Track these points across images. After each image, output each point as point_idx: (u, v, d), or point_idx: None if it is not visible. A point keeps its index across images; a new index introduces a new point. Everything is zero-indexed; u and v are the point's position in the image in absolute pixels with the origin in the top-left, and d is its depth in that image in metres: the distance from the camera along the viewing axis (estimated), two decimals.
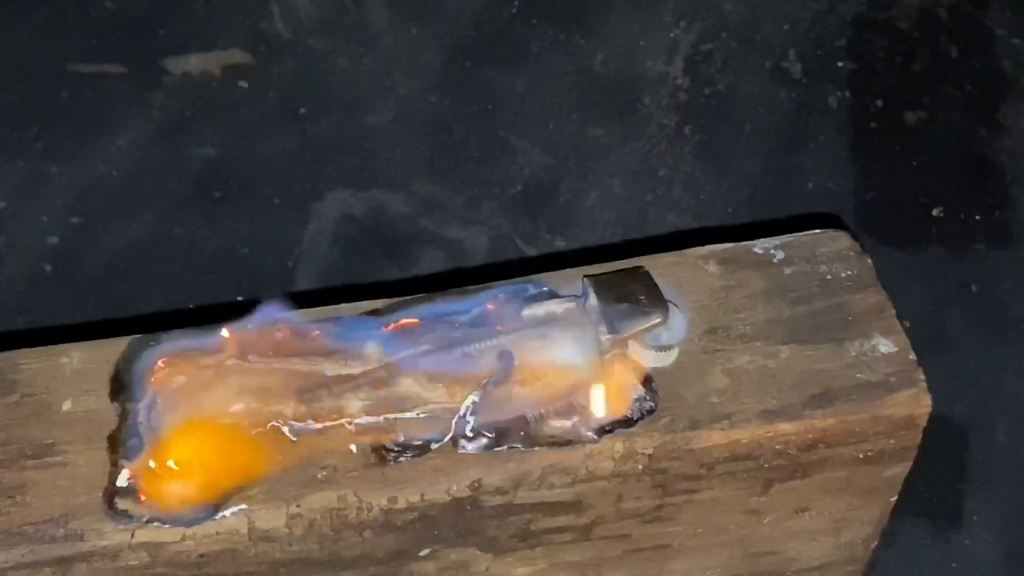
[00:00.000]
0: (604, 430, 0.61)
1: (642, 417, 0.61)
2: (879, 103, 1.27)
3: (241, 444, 0.59)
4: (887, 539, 0.79)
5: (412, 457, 0.60)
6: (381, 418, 0.60)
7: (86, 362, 0.63)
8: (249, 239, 1.13)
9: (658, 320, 0.61)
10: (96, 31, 1.30)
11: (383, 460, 0.59)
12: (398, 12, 1.33)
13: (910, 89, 1.28)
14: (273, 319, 0.62)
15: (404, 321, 0.63)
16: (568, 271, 0.67)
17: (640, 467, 0.61)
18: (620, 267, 0.65)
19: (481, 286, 0.65)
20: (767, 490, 0.65)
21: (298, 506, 0.58)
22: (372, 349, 0.61)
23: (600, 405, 0.61)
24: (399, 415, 0.60)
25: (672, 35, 1.32)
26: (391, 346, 0.61)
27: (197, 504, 0.58)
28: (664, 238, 1.14)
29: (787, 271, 0.68)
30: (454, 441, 0.60)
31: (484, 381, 0.60)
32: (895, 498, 0.69)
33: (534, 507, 0.62)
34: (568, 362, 0.61)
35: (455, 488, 0.60)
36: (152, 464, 0.58)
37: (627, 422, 0.61)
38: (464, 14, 1.34)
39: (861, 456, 0.64)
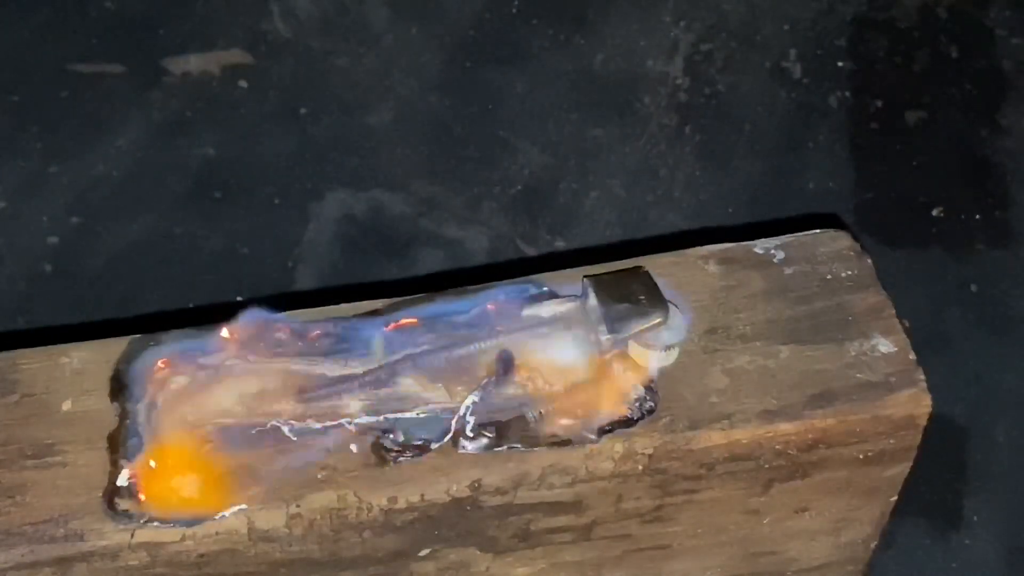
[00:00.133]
0: (604, 430, 0.61)
1: (642, 417, 0.61)
2: (879, 103, 1.27)
3: (241, 444, 0.59)
4: (887, 539, 0.79)
5: (412, 457, 0.60)
6: (381, 418, 0.60)
7: (86, 362, 0.63)
8: (249, 239, 1.13)
9: (658, 320, 0.61)
10: (96, 31, 1.30)
11: (383, 460, 0.59)
12: (398, 12, 1.34)
13: (910, 89, 1.28)
14: (271, 319, 0.62)
15: (404, 321, 0.63)
16: (568, 271, 0.67)
17: (640, 467, 0.61)
18: (620, 267, 0.65)
19: (481, 286, 0.65)
20: (767, 490, 0.65)
21: (298, 506, 0.58)
22: (372, 349, 0.61)
23: (600, 405, 0.61)
24: (399, 415, 0.60)
25: (672, 35, 1.32)
26: (391, 346, 0.61)
27: (197, 504, 0.58)
28: (664, 238, 1.14)
29: (787, 271, 0.68)
30: (454, 441, 0.60)
31: (484, 381, 0.60)
32: (895, 498, 0.69)
33: (534, 507, 0.62)
34: (568, 362, 0.61)
35: (455, 488, 0.60)
36: (152, 464, 0.58)
37: (627, 422, 0.61)
38: (464, 14, 1.34)
39: (861, 456, 0.64)
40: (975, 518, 0.97)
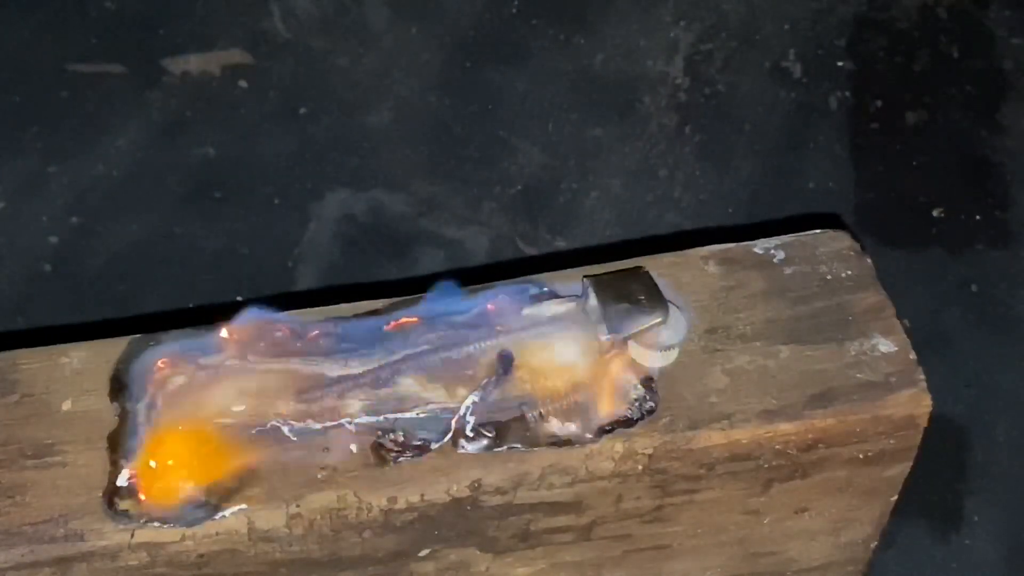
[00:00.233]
0: (604, 430, 0.61)
1: (642, 417, 0.61)
2: (879, 103, 1.27)
3: (241, 444, 0.59)
4: (887, 539, 0.79)
5: (412, 457, 0.60)
6: (381, 418, 0.60)
7: (86, 362, 0.63)
8: (249, 239, 1.13)
9: (658, 320, 0.61)
10: (96, 31, 1.30)
11: (383, 460, 0.59)
12: (398, 12, 1.33)
13: (910, 89, 1.28)
14: (271, 319, 0.62)
15: (404, 321, 0.63)
16: (568, 271, 0.67)
17: (640, 467, 0.61)
18: (620, 267, 0.65)
19: (481, 286, 0.65)
20: (767, 490, 0.65)
21: (298, 506, 0.58)
22: (372, 349, 0.61)
23: (600, 405, 0.61)
24: (399, 415, 0.60)
25: (672, 35, 1.32)
26: (391, 346, 0.61)
27: (197, 504, 0.58)
28: (664, 238, 1.14)
29: (787, 271, 0.68)
30: (454, 441, 0.60)
31: (484, 381, 0.60)
32: (895, 498, 0.69)
33: (534, 507, 0.62)
34: (568, 362, 0.61)
35: (455, 488, 0.60)
36: (152, 464, 0.58)
37: (627, 422, 0.61)
38: (464, 14, 1.34)
39: (861, 456, 0.64)
40: (975, 518, 0.97)
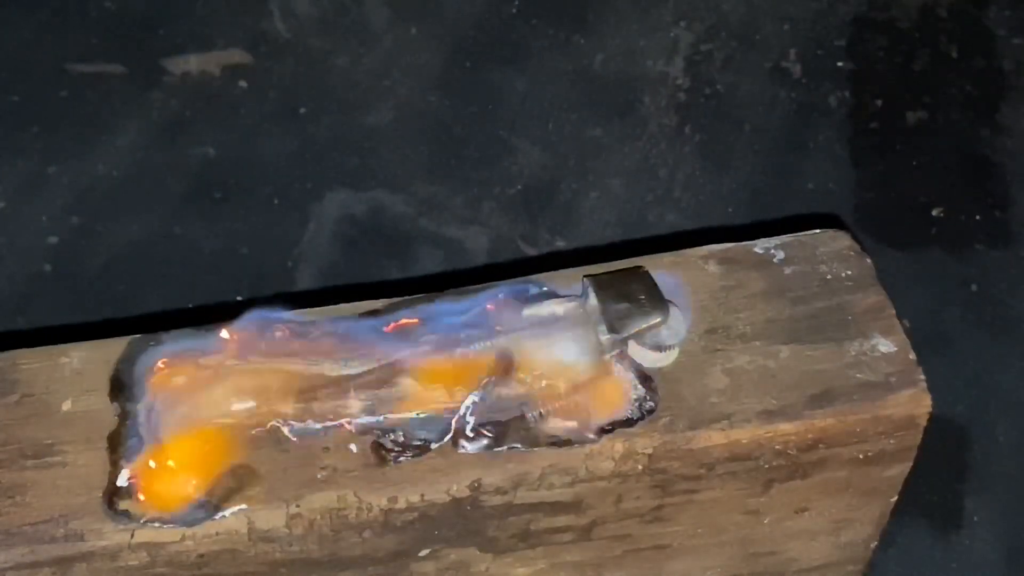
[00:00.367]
0: (604, 430, 0.61)
1: (642, 417, 0.61)
2: (879, 103, 1.27)
3: (241, 444, 0.59)
4: (887, 539, 0.79)
5: (412, 457, 0.60)
6: (381, 418, 0.60)
7: (86, 362, 0.63)
8: (249, 239, 1.13)
9: (658, 320, 0.61)
10: (96, 31, 1.30)
11: (383, 460, 0.59)
12: (398, 12, 1.33)
13: (910, 89, 1.28)
14: (269, 319, 0.62)
15: (404, 321, 0.63)
16: (568, 271, 0.67)
17: (640, 467, 0.61)
18: (620, 267, 0.65)
19: (481, 286, 0.65)
20: (767, 490, 0.65)
21: (298, 506, 0.58)
22: (372, 349, 0.61)
23: (600, 405, 0.61)
24: (399, 415, 0.60)
25: (672, 35, 1.32)
26: (391, 346, 0.61)
27: (197, 504, 0.58)
28: (664, 238, 1.14)
29: (787, 271, 0.68)
30: (454, 441, 0.60)
31: (484, 381, 0.60)
32: (895, 498, 0.69)
33: (534, 507, 0.62)
34: (568, 362, 0.61)
35: (455, 488, 0.60)
36: (152, 464, 0.58)
37: (627, 422, 0.61)
38: (464, 14, 1.34)
39: (861, 456, 0.64)
40: (975, 518, 0.97)
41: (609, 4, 1.35)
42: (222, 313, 0.63)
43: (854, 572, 0.74)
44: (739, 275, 0.67)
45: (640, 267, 0.64)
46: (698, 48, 1.31)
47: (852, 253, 0.69)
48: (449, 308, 0.63)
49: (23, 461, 0.59)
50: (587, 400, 0.61)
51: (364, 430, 0.59)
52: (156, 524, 0.57)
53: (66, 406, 0.61)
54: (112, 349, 0.63)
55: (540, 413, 0.61)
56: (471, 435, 0.60)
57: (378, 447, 0.59)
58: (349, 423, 0.59)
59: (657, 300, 0.62)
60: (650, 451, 0.61)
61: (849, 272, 0.68)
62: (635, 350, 0.62)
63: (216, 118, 1.23)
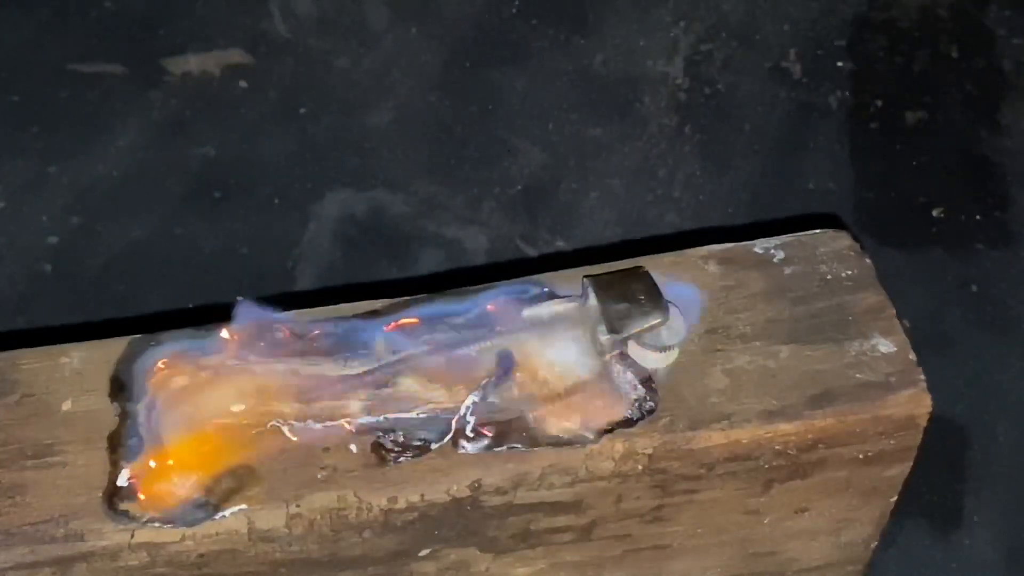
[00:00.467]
0: (604, 430, 0.61)
1: (642, 417, 0.61)
2: (879, 103, 1.27)
3: (241, 444, 0.59)
4: (887, 539, 0.79)
5: (412, 457, 0.60)
6: (381, 418, 0.60)
7: (86, 362, 0.63)
8: (249, 239, 1.13)
9: (658, 320, 0.61)
10: (96, 31, 1.30)
11: (383, 460, 0.59)
12: (398, 12, 1.33)
13: (910, 89, 1.28)
14: (271, 319, 0.62)
15: (404, 321, 0.63)
16: (568, 271, 0.67)
17: (640, 467, 0.61)
18: (620, 267, 0.65)
19: (481, 286, 0.65)
20: (767, 490, 0.65)
21: (298, 506, 0.58)
22: (372, 349, 0.61)
23: (600, 405, 0.61)
24: (399, 415, 0.60)
25: (672, 35, 1.32)
26: (391, 346, 0.61)
27: (197, 504, 0.58)
28: (664, 238, 1.14)
29: (787, 271, 0.68)
30: (454, 441, 0.60)
31: (484, 381, 0.60)
32: (895, 498, 0.69)
33: (534, 507, 0.62)
34: (568, 362, 0.61)
35: (455, 488, 0.60)
36: (152, 464, 0.58)
37: (627, 422, 0.61)
38: (464, 14, 1.34)
39: (861, 456, 0.64)
40: (975, 518, 0.97)
41: (609, 4, 1.35)
42: (222, 313, 0.63)
43: (854, 572, 0.74)
44: (739, 275, 0.67)
45: (640, 267, 0.64)
46: (698, 48, 1.31)
47: (852, 253, 0.69)
48: (449, 308, 0.63)
49: (23, 461, 0.59)
50: (587, 400, 0.61)
51: (364, 430, 0.59)
52: (156, 524, 0.57)
53: (66, 406, 0.61)
54: (112, 349, 0.63)
55: (540, 413, 0.61)
56: (471, 435, 0.60)
57: (378, 447, 0.59)
58: (349, 423, 0.59)
59: (657, 300, 0.62)
60: (650, 451, 0.61)
61: (849, 272, 0.68)
62: (635, 350, 0.62)
63: (216, 118, 1.23)
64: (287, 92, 1.25)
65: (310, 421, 0.59)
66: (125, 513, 0.57)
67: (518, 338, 0.61)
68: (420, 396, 0.60)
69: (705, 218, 1.17)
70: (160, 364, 0.61)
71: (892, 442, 0.64)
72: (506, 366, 0.60)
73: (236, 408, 0.59)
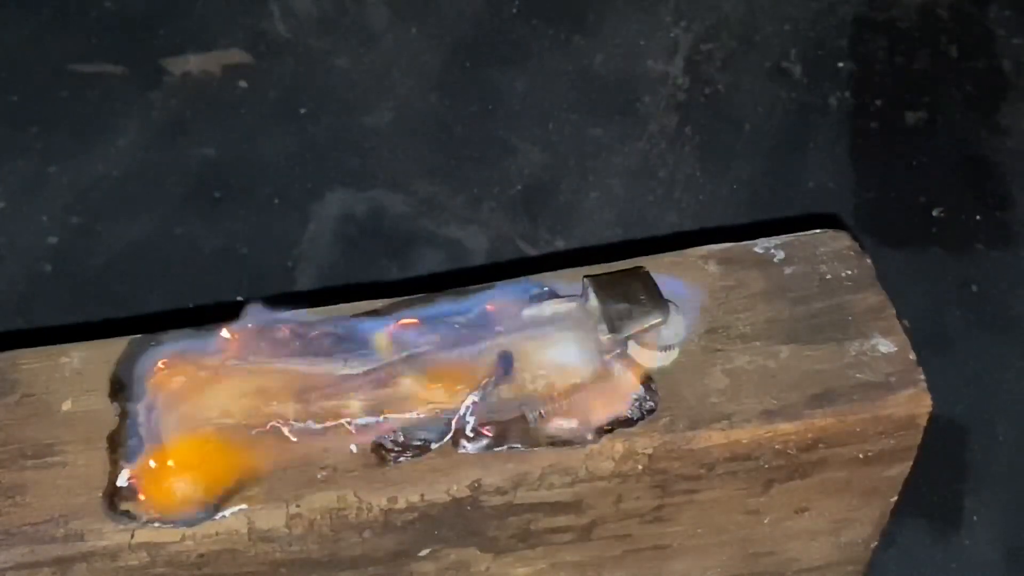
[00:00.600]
0: (604, 430, 0.61)
1: (642, 417, 0.61)
2: (879, 103, 1.27)
3: (241, 445, 0.59)
4: (887, 539, 0.79)
5: (412, 457, 0.60)
6: (381, 418, 0.60)
7: (86, 362, 0.63)
8: (249, 239, 1.13)
9: (658, 320, 0.61)
10: (96, 31, 1.30)
11: (383, 460, 0.59)
12: (398, 12, 1.33)
13: (910, 89, 1.28)
14: (271, 319, 0.62)
15: (404, 321, 0.63)
16: (568, 271, 0.67)
17: (640, 467, 0.61)
18: (620, 267, 0.65)
19: (481, 286, 0.65)
20: (767, 490, 0.65)
21: (298, 506, 0.58)
22: (372, 349, 0.61)
23: (600, 405, 0.61)
24: (399, 415, 0.60)
25: (672, 35, 1.32)
26: (391, 346, 0.61)
27: (197, 504, 0.58)
28: (664, 238, 1.14)
29: (787, 271, 0.68)
30: (454, 441, 0.60)
31: (484, 381, 0.60)
32: (895, 498, 0.69)
33: (534, 507, 0.62)
34: (568, 362, 0.61)
35: (455, 488, 0.60)
36: (152, 464, 0.58)
37: (627, 422, 0.61)
38: (464, 14, 1.34)
39: (861, 456, 0.64)
40: (975, 518, 0.97)
41: (609, 4, 1.35)
42: (222, 313, 0.63)
43: (854, 572, 0.74)
44: (739, 275, 0.67)
45: (640, 267, 0.64)
46: (698, 48, 1.31)
47: (852, 253, 0.69)
48: (449, 308, 0.63)
49: (23, 461, 0.59)
50: (587, 400, 0.61)
51: (364, 430, 0.59)
52: (156, 524, 0.57)
53: (66, 406, 0.61)
54: (112, 349, 0.63)
55: (540, 413, 0.61)
56: (471, 435, 0.60)
57: (378, 447, 0.59)
58: (349, 423, 0.59)
59: (657, 300, 0.62)
60: (650, 451, 0.61)
61: (849, 272, 0.68)
62: (635, 350, 0.62)
63: (216, 118, 1.23)
64: (287, 92, 1.25)
65: (310, 421, 0.59)
66: (125, 513, 0.57)
67: (518, 338, 0.61)
68: (420, 396, 0.60)
69: (705, 218, 1.17)
70: (160, 364, 0.61)
71: (892, 442, 0.64)
72: (506, 366, 0.60)
73: (236, 408, 0.59)
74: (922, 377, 0.63)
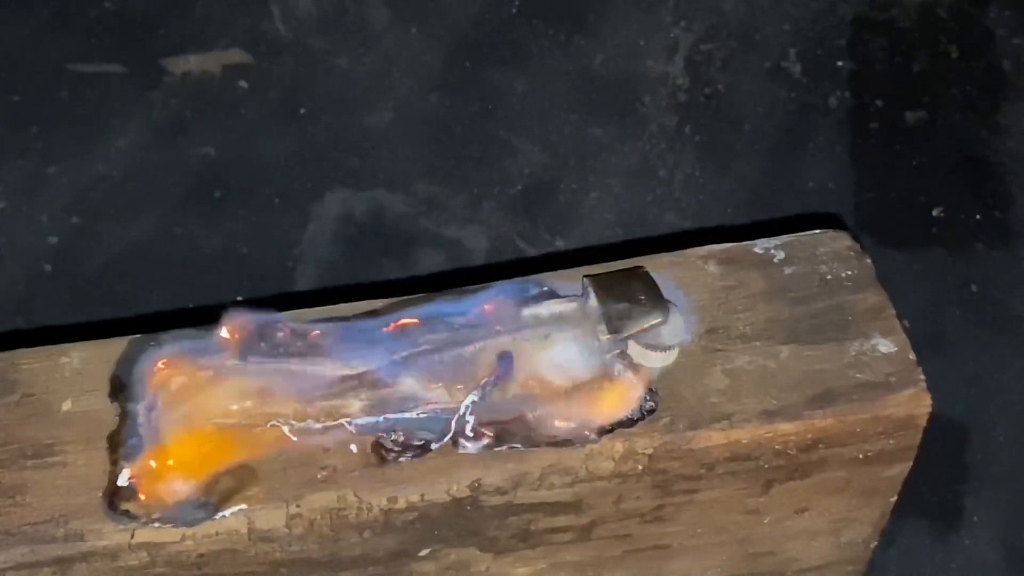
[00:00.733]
0: (604, 430, 0.61)
1: (642, 417, 0.61)
2: (879, 103, 1.27)
3: (241, 445, 0.59)
4: (887, 539, 0.79)
5: (412, 457, 0.60)
6: (381, 418, 0.60)
7: (86, 362, 0.63)
8: (249, 239, 1.13)
9: (658, 320, 0.61)
10: (96, 31, 1.30)
11: (383, 460, 0.59)
12: (398, 12, 1.33)
13: (910, 89, 1.28)
14: (271, 319, 0.62)
15: (404, 321, 0.63)
16: (568, 271, 0.66)
17: (640, 467, 0.61)
18: (620, 267, 0.65)
19: (481, 286, 0.65)
20: (767, 490, 0.65)
21: (298, 506, 0.58)
22: (372, 349, 0.61)
23: (600, 405, 0.61)
24: (399, 415, 0.60)
25: (672, 35, 1.32)
26: (391, 346, 0.61)
27: (197, 504, 0.58)
28: (664, 238, 1.14)
29: (787, 271, 0.68)
30: (454, 441, 0.60)
31: (484, 381, 0.60)
32: (895, 498, 0.69)
33: (534, 507, 0.62)
34: (568, 362, 0.61)
35: (455, 488, 0.60)
36: (152, 464, 0.58)
37: (627, 422, 0.61)
38: (464, 14, 1.34)
39: (861, 456, 0.64)
40: (975, 518, 0.97)
41: (609, 4, 1.35)
42: (222, 313, 0.63)
43: (854, 572, 0.74)
44: (739, 275, 0.67)
45: (640, 267, 0.64)
46: (698, 48, 1.31)
47: (852, 253, 0.69)
48: (449, 308, 0.63)
49: (23, 461, 0.59)
50: (587, 400, 0.61)
51: (364, 430, 0.59)
52: (156, 524, 0.57)
53: (66, 406, 0.61)
54: (112, 349, 0.63)
55: (540, 413, 0.61)
56: (471, 435, 0.60)
57: (378, 447, 0.59)
58: (349, 423, 0.59)
59: (657, 300, 0.62)
60: (650, 451, 0.61)
61: (849, 272, 0.68)
62: (635, 350, 0.62)
63: (216, 118, 1.23)
64: (287, 92, 1.25)
65: (310, 421, 0.59)
66: (125, 513, 0.57)
67: (518, 338, 0.61)
68: (420, 396, 0.60)
69: (705, 218, 1.17)
70: (160, 364, 0.61)
71: (892, 442, 0.64)
72: (506, 366, 0.60)
73: (236, 408, 0.59)
74: (922, 377, 0.63)
